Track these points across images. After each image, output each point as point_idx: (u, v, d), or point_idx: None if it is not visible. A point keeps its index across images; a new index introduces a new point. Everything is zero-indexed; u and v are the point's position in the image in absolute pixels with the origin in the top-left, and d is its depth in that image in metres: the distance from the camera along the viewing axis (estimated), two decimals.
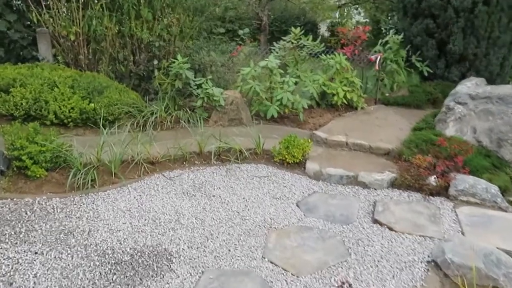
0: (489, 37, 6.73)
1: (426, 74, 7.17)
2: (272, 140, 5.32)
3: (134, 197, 4.10)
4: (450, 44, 6.93)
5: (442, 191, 4.21)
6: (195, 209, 3.92)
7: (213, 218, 3.78)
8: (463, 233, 3.54)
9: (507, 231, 3.55)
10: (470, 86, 5.69)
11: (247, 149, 5.08)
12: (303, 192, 4.37)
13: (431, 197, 4.20)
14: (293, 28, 6.55)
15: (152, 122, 5.53)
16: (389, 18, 15.68)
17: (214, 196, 4.20)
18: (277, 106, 5.72)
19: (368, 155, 5.10)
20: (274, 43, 6.96)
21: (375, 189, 4.43)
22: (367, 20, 17.47)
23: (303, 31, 6.64)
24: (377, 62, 6.96)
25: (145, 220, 3.70)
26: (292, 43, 6.60)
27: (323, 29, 19.67)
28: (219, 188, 4.38)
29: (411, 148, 4.89)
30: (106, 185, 4.26)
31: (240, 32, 7.52)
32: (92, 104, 5.15)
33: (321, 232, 3.62)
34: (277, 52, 6.65)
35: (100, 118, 5.13)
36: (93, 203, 3.95)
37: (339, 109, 6.58)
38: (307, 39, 6.64)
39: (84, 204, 3.92)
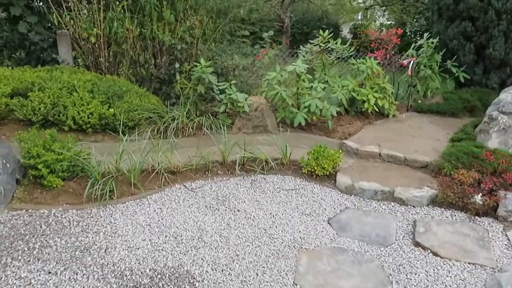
0: None
1: (462, 80, 6.74)
2: (299, 150, 5.01)
3: (154, 211, 3.84)
4: (489, 49, 6.49)
5: (490, 211, 3.82)
6: (219, 225, 3.64)
7: (239, 236, 3.49)
8: None
9: None
10: None
11: (273, 159, 4.78)
12: (334, 208, 4.05)
13: (477, 217, 3.81)
14: (321, 31, 6.23)
15: (174, 128, 5.28)
16: (415, 20, 15.18)
17: (238, 210, 3.91)
18: (305, 113, 5.40)
19: (403, 168, 4.73)
20: (301, 46, 6.64)
21: (413, 206, 4.06)
22: (392, 22, 16.98)
23: (331, 34, 6.31)
24: (410, 67, 6.57)
25: (166, 237, 3.43)
26: (320, 46, 6.27)
27: (345, 31, 19.26)
28: (244, 201, 4.09)
29: (451, 161, 4.50)
30: (124, 197, 4.02)
31: (265, 34, 7.21)
32: (112, 110, 4.93)
33: (356, 254, 3.29)
34: (303, 56, 6.33)
35: (120, 124, 4.91)
36: (111, 216, 3.71)
37: (369, 116, 6.21)
38: (335, 43, 6.30)
39: (101, 217, 3.68)
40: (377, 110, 6.15)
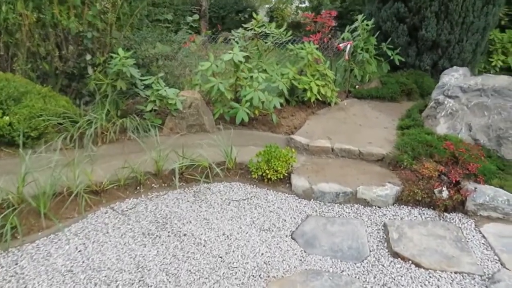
0: (463, 23, 6.27)
1: (397, 63, 6.59)
2: (244, 150, 4.40)
3: (76, 248, 2.99)
4: (422, 30, 6.39)
5: (458, 206, 3.57)
6: (163, 259, 2.92)
7: (190, 271, 2.81)
8: (502, 264, 2.90)
9: None
10: (458, 77, 5.16)
11: (216, 163, 4.11)
12: (294, 218, 3.52)
13: (446, 213, 3.54)
14: (254, 14, 5.61)
15: (91, 134, 4.35)
16: (330, 3, 15.19)
17: (185, 234, 3.21)
18: (247, 108, 4.79)
19: (359, 163, 4.36)
20: (232, 31, 5.97)
21: (378, 207, 3.69)
22: (306, 5, 16.89)
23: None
24: (347, 51, 6.25)
25: (95, 285, 2.63)
26: (254, 31, 5.66)
27: (262, 15, 18.82)
28: (190, 221, 3.39)
29: (408, 152, 4.21)
30: (33, 233, 3.10)
31: (189, 19, 6.42)
32: (7, 117, 3.88)
33: (333, 277, 2.79)
34: (237, 43, 5.67)
35: (19, 135, 3.87)
36: (16, 264, 2.79)
37: (312, 106, 5.79)
38: (270, 27, 5.73)
39: (2, 267, 2.75)
40: (319, 98, 5.74)
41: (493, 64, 7.33)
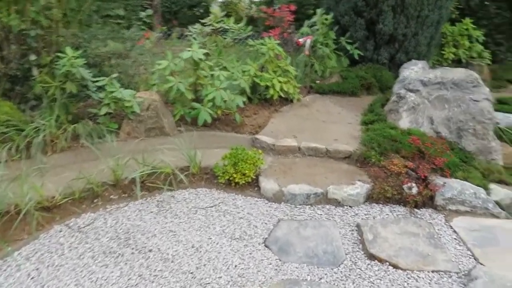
0: (418, 16, 6.37)
1: (357, 57, 6.61)
2: (209, 153, 4.20)
3: (28, 274, 2.68)
4: (379, 24, 6.44)
5: (427, 201, 3.57)
6: (129, 280, 2.67)
7: None
8: (476, 259, 2.91)
9: None
10: (417, 70, 5.21)
11: (180, 169, 3.89)
12: (266, 223, 3.38)
13: (416, 210, 3.54)
14: (212, 9, 5.38)
15: (40, 143, 3.97)
16: None
17: (150, 250, 2.97)
18: (209, 108, 4.57)
19: (327, 161, 4.28)
20: (189, 27, 5.71)
21: (350, 206, 3.62)
22: None
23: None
24: (307, 46, 6.18)
25: None
26: (213, 26, 5.44)
27: (215, 9, 18.44)
28: (155, 235, 3.16)
29: (374, 148, 4.19)
30: None
31: (142, 14, 6.07)
32: None
33: (311, 286, 2.68)
34: (194, 39, 5.42)
35: None
36: None
37: (274, 103, 5.66)
38: (229, 22, 5.53)
39: None
40: (282, 95, 5.62)
41: (445, 56, 7.54)
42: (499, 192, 3.85)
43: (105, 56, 5.34)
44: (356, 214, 3.52)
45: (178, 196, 3.70)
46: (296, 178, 3.89)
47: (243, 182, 3.80)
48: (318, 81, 6.63)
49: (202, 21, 5.50)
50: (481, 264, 2.83)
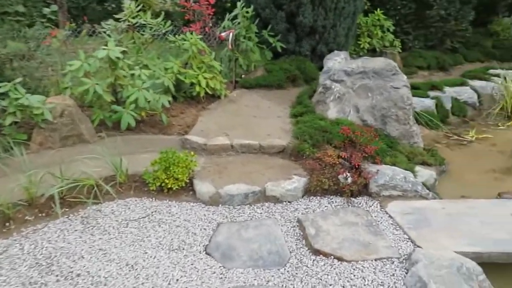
0: (336, 8, 6.53)
1: (280, 50, 6.61)
2: (136, 158, 3.90)
3: None
4: (300, 16, 6.49)
5: (362, 189, 3.64)
6: None
7: None
8: (413, 242, 3.00)
9: (446, 225, 3.17)
10: (340, 61, 5.32)
11: (104, 179, 3.55)
12: (205, 229, 3.19)
13: (352, 198, 3.59)
14: (126, 2, 4.99)
15: None
16: None
17: (79, 275, 2.64)
18: (132, 110, 4.23)
19: (261, 157, 4.19)
20: (102, 23, 5.25)
21: (289, 202, 3.57)
22: None
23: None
24: (230, 40, 6.03)
25: None
26: (128, 22, 5.05)
27: (127, 3, 17.55)
28: (82, 256, 2.81)
29: (307, 140, 4.19)
30: None
31: (46, 10, 5.46)
32: None
33: None
34: (109, 36, 5.00)
35: None
36: None
37: (201, 100, 5.44)
38: (146, 17, 5.18)
39: None
40: (208, 92, 5.42)
41: (361, 46, 7.86)
42: (424, 173, 4.07)
43: (5, 58, 4.72)
44: (296, 209, 3.48)
45: (105, 209, 3.36)
46: (232, 177, 3.74)
47: (177, 187, 3.56)
48: (243, 76, 6.53)
49: (116, 16, 5.08)
50: (419, 246, 2.93)
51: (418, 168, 4.13)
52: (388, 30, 8.03)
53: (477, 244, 2.93)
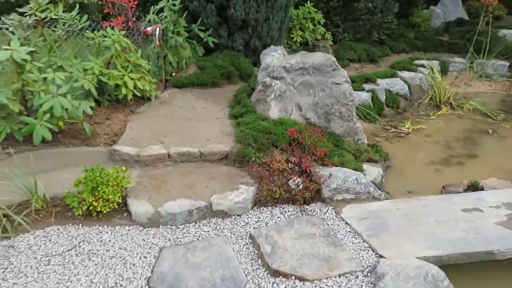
0: (268, 0, 6.26)
1: (212, 45, 6.20)
2: (55, 177, 3.32)
3: None
4: (231, 9, 6.13)
5: (315, 195, 3.42)
6: None
7: None
8: (374, 250, 2.83)
9: (403, 227, 3.05)
10: (278, 56, 5.07)
11: (16, 206, 2.95)
12: (145, 257, 2.76)
13: (306, 206, 3.35)
14: None
15: None
16: None
17: None
18: (47, 121, 3.59)
19: (203, 165, 3.80)
20: (2, 18, 4.46)
21: (238, 215, 3.24)
22: None
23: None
24: (157, 35, 5.51)
25: None
26: (36, 16, 4.34)
27: None
28: None
29: (251, 144, 3.88)
30: None
31: None
32: None
33: None
34: (13, 33, 4.24)
35: None
36: None
37: (129, 104, 4.87)
38: (57, 10, 4.50)
39: None
40: (137, 94, 4.87)
41: (294, 40, 7.72)
42: (371, 171, 3.97)
43: None
44: (247, 223, 3.16)
45: (19, 244, 2.78)
46: (173, 192, 3.32)
47: (108, 209, 3.06)
48: (174, 74, 6.04)
49: (20, 10, 4.34)
50: (381, 255, 2.76)
51: (365, 166, 4.02)
52: (319, 23, 7.97)
53: (437, 247, 2.83)
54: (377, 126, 5.72)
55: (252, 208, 3.32)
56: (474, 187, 3.91)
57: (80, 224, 3.02)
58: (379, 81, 6.65)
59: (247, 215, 3.25)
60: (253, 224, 3.14)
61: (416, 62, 7.86)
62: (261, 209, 3.31)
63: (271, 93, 4.66)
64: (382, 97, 6.32)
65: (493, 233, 3.01)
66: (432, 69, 7.02)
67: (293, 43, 7.75)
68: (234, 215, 3.23)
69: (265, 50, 5.50)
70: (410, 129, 5.62)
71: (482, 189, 3.88)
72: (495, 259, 2.85)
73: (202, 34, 6.12)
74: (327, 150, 3.70)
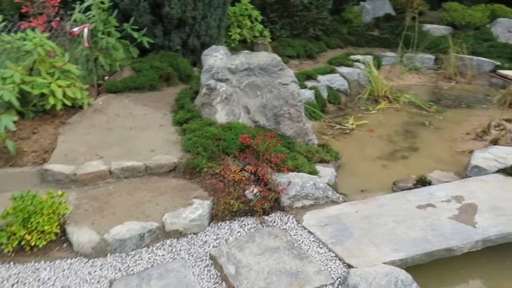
0: None
1: (147, 45, 5.79)
2: None
3: None
4: (166, 7, 5.75)
5: (274, 204, 3.26)
6: None
7: None
8: (340, 259, 2.73)
9: (366, 231, 3.00)
10: (221, 57, 4.83)
11: None
12: None
13: (265, 217, 3.18)
14: None
15: None
16: None
17: None
18: None
19: (150, 180, 3.48)
20: None
21: (194, 233, 2.99)
22: None
23: None
24: (85, 36, 5.02)
25: None
26: None
27: None
28: None
29: (201, 153, 3.62)
30: None
31: None
32: None
33: None
34: None
35: None
36: None
37: (58, 114, 4.37)
38: None
39: None
40: (67, 103, 4.38)
41: (232, 37, 7.49)
42: (325, 172, 3.91)
43: None
44: (205, 241, 2.92)
45: None
46: (119, 214, 2.99)
47: (44, 242, 2.66)
48: (107, 78, 5.55)
49: None
50: (349, 265, 2.67)
51: (318, 167, 3.95)
52: (256, 19, 7.82)
53: (400, 249, 2.80)
54: (323, 124, 5.71)
55: (209, 224, 3.09)
56: (422, 182, 4.00)
57: (12, 263, 2.60)
58: (320, 77, 6.66)
59: (205, 232, 3.01)
60: (212, 242, 2.91)
61: (352, 57, 8.00)
62: (219, 224, 3.09)
63: (217, 96, 4.42)
64: (324, 94, 6.34)
65: (449, 228, 3.05)
66: (368, 64, 7.18)
67: (232, 41, 7.53)
68: (191, 234, 2.98)
69: (206, 51, 5.23)
70: (354, 125, 5.69)
71: (430, 183, 3.98)
72: (454, 255, 2.90)
73: (135, 34, 5.68)
74: (284, 156, 3.56)
